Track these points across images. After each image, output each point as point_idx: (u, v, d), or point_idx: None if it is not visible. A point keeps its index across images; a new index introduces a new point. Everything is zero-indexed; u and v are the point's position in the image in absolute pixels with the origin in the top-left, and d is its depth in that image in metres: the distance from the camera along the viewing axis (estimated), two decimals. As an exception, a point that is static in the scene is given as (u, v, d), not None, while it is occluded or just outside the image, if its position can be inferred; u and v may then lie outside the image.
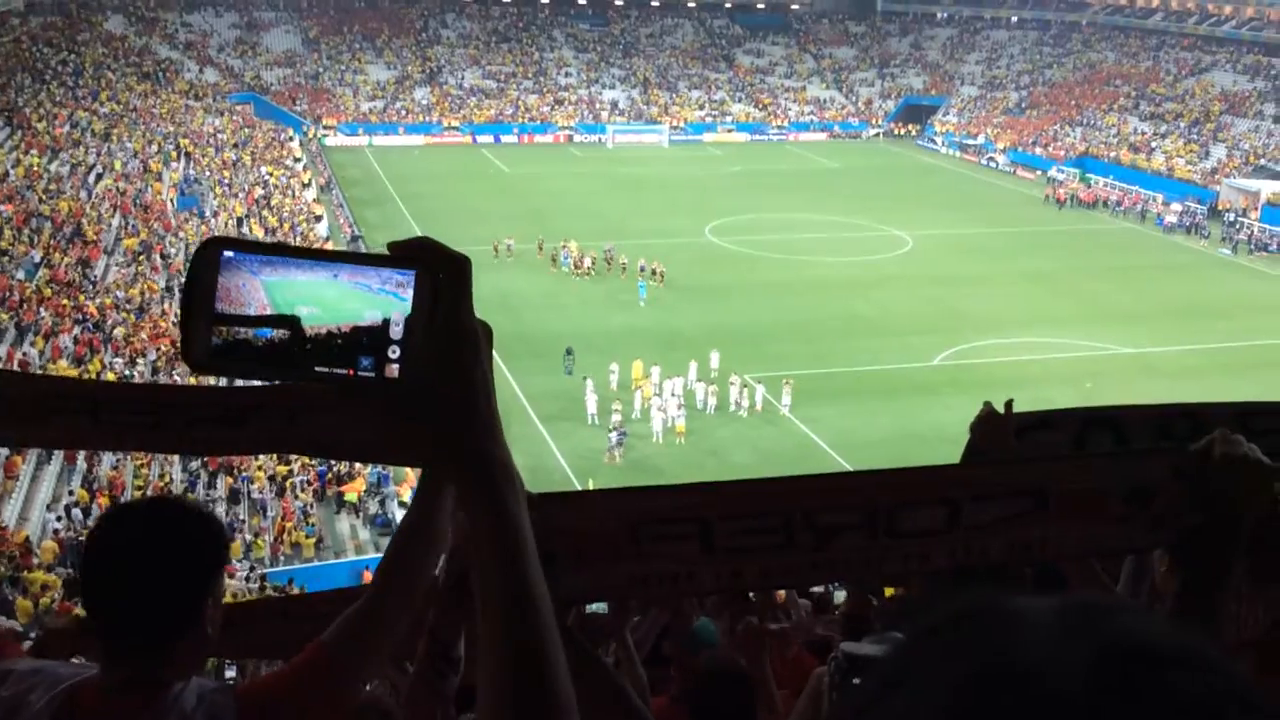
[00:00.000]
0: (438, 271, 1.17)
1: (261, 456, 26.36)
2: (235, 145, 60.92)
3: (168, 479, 25.56)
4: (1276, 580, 2.10)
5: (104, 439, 4.35)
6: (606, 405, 30.58)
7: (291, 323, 1.14)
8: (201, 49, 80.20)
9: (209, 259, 1.15)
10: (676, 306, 39.96)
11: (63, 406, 3.12)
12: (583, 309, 39.91)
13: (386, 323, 1.15)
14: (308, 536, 25.00)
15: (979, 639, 0.72)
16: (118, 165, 50.29)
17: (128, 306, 34.35)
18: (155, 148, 55.14)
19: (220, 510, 25.04)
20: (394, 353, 1.15)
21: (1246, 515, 1.99)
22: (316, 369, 1.15)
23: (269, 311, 1.14)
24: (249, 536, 24.64)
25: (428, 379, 1.17)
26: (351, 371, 1.15)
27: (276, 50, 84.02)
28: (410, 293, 1.15)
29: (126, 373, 29.53)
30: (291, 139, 67.46)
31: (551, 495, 2.18)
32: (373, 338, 1.15)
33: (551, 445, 29.29)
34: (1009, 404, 2.87)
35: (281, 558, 24.58)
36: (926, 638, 0.75)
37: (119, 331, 32.12)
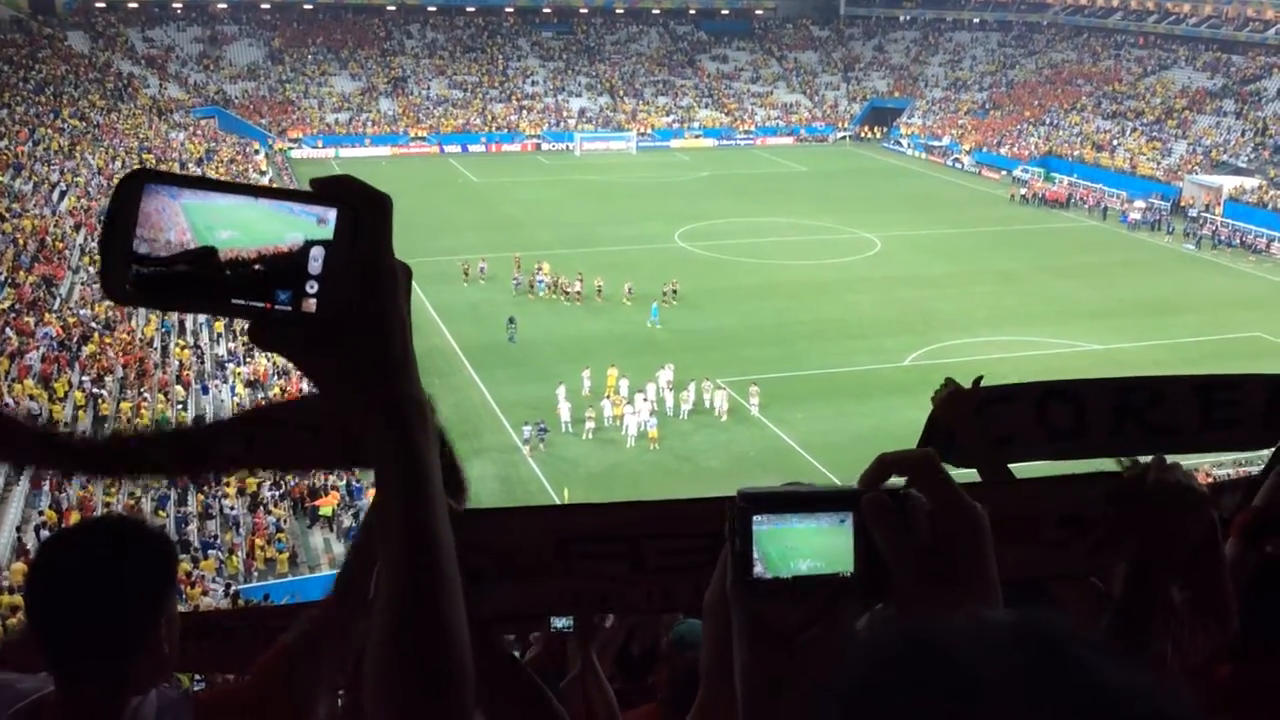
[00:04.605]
0: (359, 209, 1.17)
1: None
2: (200, 160, 60.45)
3: (137, 497, 25.26)
4: (1217, 609, 2.04)
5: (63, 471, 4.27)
6: (580, 413, 30.55)
7: (208, 253, 1.12)
8: (164, 64, 79.57)
9: (131, 192, 1.12)
10: (648, 312, 39.90)
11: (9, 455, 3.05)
12: (554, 317, 39.81)
13: (306, 248, 1.14)
14: (280, 552, 24.85)
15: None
16: (81, 182, 49.81)
17: (94, 324, 33.99)
18: (119, 164, 54.60)
19: (192, 527, 24.82)
20: (312, 287, 1.14)
21: (1181, 542, 1.93)
22: (234, 301, 1.14)
23: (188, 235, 1.12)
24: (223, 554, 24.44)
25: (344, 314, 1.15)
26: (269, 305, 1.14)
27: (240, 63, 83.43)
28: (331, 229, 1.15)
29: (95, 390, 29.23)
30: (257, 152, 67.01)
31: (475, 512, 2.13)
32: (291, 270, 1.14)
33: (525, 453, 29.22)
34: (977, 380, 2.90)
35: (255, 573, 24.43)
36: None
37: (87, 349, 31.78)
